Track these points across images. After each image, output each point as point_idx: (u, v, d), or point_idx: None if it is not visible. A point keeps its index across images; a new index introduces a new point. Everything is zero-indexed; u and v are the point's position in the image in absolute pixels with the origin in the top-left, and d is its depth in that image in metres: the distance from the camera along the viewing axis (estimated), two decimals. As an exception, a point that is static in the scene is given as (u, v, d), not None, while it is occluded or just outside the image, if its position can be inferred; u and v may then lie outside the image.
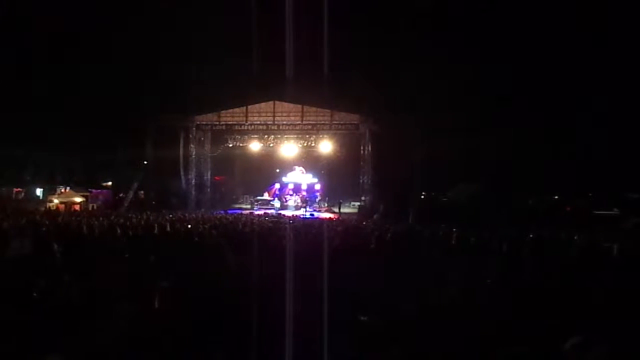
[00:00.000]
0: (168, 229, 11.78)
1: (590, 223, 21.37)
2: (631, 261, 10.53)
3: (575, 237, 13.42)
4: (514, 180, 27.92)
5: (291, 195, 35.57)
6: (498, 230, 16.47)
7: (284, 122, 30.23)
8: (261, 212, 29.13)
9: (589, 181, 28.51)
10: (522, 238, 14.44)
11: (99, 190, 33.94)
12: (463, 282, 6.82)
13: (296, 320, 4.27)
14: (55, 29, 30.00)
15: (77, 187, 31.77)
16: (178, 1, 32.20)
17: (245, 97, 30.43)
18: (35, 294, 4.64)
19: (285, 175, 37.19)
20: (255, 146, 34.36)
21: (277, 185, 36.98)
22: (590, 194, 29.46)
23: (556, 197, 30.62)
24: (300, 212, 30.22)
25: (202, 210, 28.85)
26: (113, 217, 18.39)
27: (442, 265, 8.72)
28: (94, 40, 31.17)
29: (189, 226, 13.16)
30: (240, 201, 36.28)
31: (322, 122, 29.74)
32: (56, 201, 29.66)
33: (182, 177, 30.46)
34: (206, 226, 12.58)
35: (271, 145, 34.26)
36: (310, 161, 36.65)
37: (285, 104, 29.64)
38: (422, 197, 29.11)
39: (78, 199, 30.14)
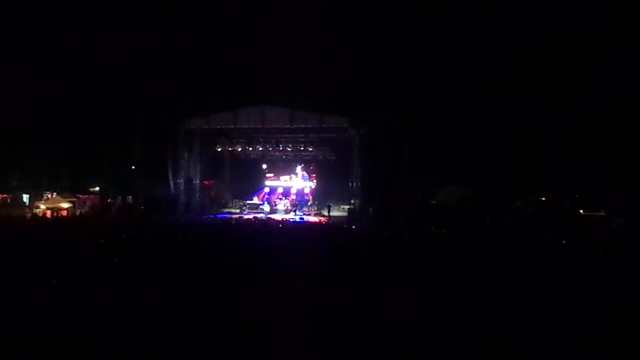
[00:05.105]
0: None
1: (577, 224, 21.62)
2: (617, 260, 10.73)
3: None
4: (501, 182, 28.11)
5: (280, 199, 35.61)
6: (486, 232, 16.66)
7: (273, 127, 30.15)
8: (251, 216, 29.11)
9: (576, 182, 28.75)
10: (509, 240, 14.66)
11: (87, 196, 33.61)
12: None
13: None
14: (42, 31, 29.77)
15: (64, 193, 31.43)
16: (167, 4, 32.14)
17: (234, 101, 30.34)
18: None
19: (273, 180, 37.29)
20: (244, 150, 34.32)
21: (267, 189, 36.98)
22: (577, 195, 29.68)
23: (543, 198, 30.84)
24: (290, 216, 30.24)
25: (192, 214, 28.72)
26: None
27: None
28: (82, 43, 30.95)
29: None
30: (229, 205, 36.17)
31: (311, 126, 29.70)
32: (43, 207, 29.30)
33: (171, 181, 30.23)
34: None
35: (260, 149, 34.23)
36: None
37: (274, 109, 29.56)
38: (411, 199, 29.16)
39: (65, 205, 29.80)
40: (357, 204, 29.50)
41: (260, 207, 33.54)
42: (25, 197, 31.54)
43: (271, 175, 37.53)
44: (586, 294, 6.71)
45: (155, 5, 31.62)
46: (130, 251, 10.64)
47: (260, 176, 37.49)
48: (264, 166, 37.36)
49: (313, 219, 29.30)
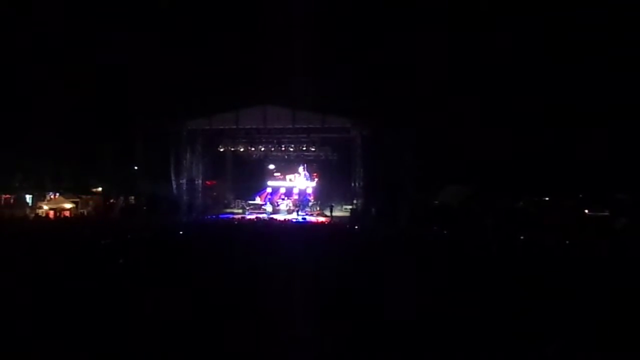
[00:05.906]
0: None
1: (582, 224, 21.51)
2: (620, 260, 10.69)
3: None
4: (505, 182, 28.05)
5: (283, 199, 35.58)
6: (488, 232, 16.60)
7: (275, 127, 30.11)
8: (253, 216, 29.09)
9: (580, 182, 28.67)
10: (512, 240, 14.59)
11: (89, 196, 33.65)
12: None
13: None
14: (45, 32, 29.86)
15: (66, 193, 31.46)
16: (170, 5, 32.20)
17: (236, 101, 30.33)
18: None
19: (279, 179, 37.28)
20: (246, 151, 34.27)
21: (269, 190, 36.95)
22: (580, 195, 29.60)
23: (547, 198, 30.75)
24: (292, 216, 30.22)
25: (194, 214, 28.72)
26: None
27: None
28: (85, 43, 31.03)
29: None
30: (232, 206, 36.12)
31: (314, 126, 29.64)
32: (46, 207, 29.37)
33: (173, 182, 30.20)
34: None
35: (262, 149, 34.19)
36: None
37: (277, 109, 29.52)
38: (413, 199, 29.15)
39: (68, 205, 29.86)
40: (359, 204, 29.47)
41: (263, 207, 33.51)
42: (28, 198, 31.61)
43: (278, 174, 37.51)
44: (588, 294, 6.68)
45: (157, 5, 31.65)
46: (134, 252, 10.63)
47: (263, 176, 37.45)
48: (272, 166, 37.32)
49: (315, 219, 29.27)
